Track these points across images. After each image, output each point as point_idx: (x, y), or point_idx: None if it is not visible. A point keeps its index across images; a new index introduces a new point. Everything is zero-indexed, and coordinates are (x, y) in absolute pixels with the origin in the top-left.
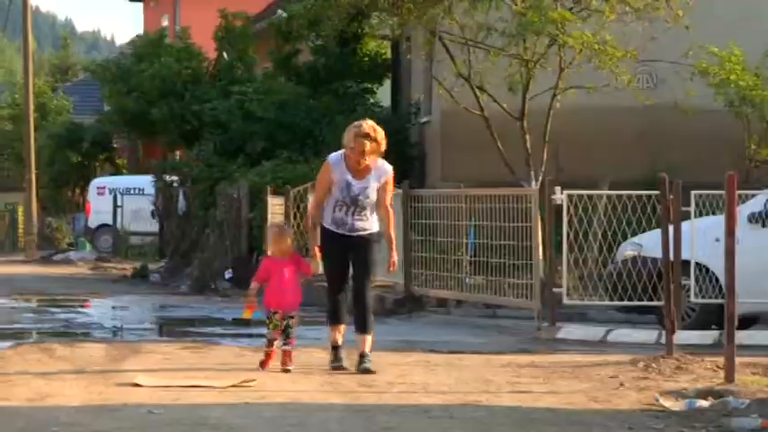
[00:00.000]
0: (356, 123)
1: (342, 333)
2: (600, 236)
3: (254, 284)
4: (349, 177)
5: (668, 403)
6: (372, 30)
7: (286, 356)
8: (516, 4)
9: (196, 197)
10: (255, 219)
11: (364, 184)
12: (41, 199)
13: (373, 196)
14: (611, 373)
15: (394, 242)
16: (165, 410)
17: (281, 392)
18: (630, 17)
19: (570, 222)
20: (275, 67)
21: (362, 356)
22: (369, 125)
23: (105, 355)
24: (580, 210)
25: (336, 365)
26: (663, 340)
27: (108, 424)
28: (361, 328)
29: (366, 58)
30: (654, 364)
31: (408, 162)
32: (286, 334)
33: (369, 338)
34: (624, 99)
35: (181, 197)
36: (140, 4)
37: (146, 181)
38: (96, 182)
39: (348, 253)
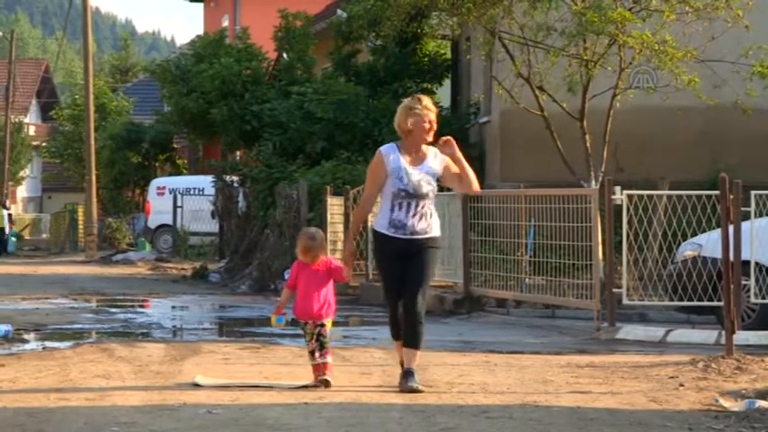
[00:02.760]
0: (405, 102)
1: None
2: (660, 236)
3: (285, 291)
4: (406, 165)
5: (728, 404)
6: (432, 30)
7: (325, 369)
8: (576, 5)
9: (256, 197)
10: (315, 219)
11: (424, 170)
12: (101, 199)
13: (434, 183)
14: (671, 374)
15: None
16: (224, 410)
17: (340, 392)
18: (690, 17)
19: (630, 222)
20: (335, 67)
21: (408, 373)
22: (419, 95)
23: (164, 355)
24: (640, 210)
25: (404, 385)
26: (722, 340)
27: (167, 424)
28: (411, 342)
29: (425, 59)
30: (713, 365)
31: (468, 162)
32: (319, 344)
33: (418, 354)
34: (684, 99)
35: (240, 197)
36: (200, 5)
37: (205, 181)
38: (156, 182)
39: (405, 260)
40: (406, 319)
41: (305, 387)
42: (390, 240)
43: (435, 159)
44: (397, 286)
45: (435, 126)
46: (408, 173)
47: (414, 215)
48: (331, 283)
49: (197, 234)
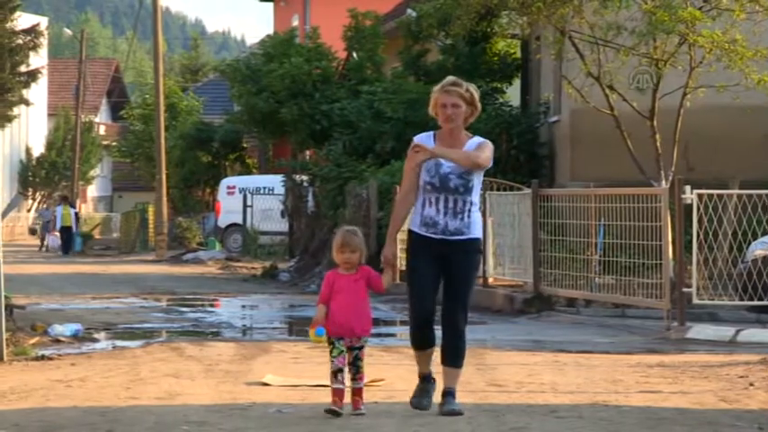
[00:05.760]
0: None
1: (430, 358)
2: (730, 235)
3: (320, 308)
4: None
5: None
6: (502, 29)
7: (356, 396)
8: (646, 3)
9: (325, 197)
10: (384, 218)
11: None
12: (171, 199)
13: (469, 177)
14: (741, 373)
15: (447, 153)
16: (294, 410)
17: (410, 392)
18: (760, 16)
19: (700, 222)
20: (404, 66)
21: (448, 394)
22: (454, 77)
23: (234, 354)
24: (710, 209)
25: (416, 402)
26: None
27: (237, 423)
28: (452, 361)
29: (495, 58)
30: None
31: (538, 161)
32: (356, 368)
33: (459, 373)
34: (754, 98)
35: (310, 197)
36: (271, 4)
37: (275, 180)
38: (226, 181)
39: (439, 264)
40: (447, 335)
41: (373, 383)
42: (423, 240)
43: (471, 149)
44: (424, 293)
45: (465, 109)
46: (439, 164)
47: (446, 212)
48: (368, 294)
49: (267, 233)
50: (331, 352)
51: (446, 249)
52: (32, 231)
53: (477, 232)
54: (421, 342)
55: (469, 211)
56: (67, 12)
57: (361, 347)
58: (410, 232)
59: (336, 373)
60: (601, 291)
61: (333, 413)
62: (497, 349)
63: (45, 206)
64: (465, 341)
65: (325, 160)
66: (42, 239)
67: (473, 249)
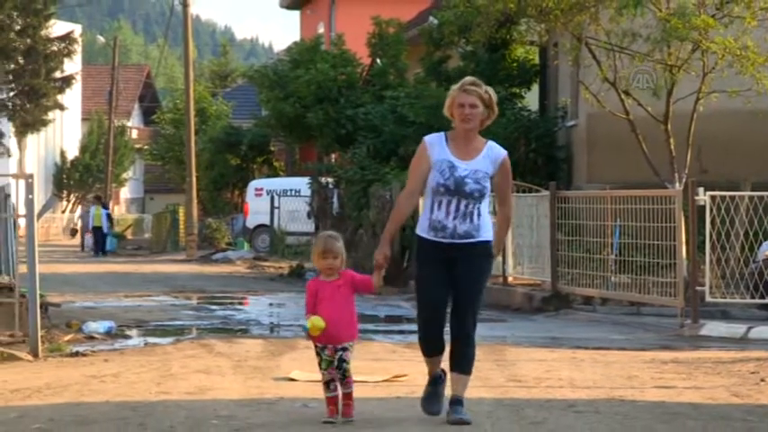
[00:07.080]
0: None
1: (441, 360)
2: (742, 235)
3: (307, 317)
4: (452, 157)
5: None
6: (521, 36)
7: (346, 400)
8: (660, 11)
9: (350, 198)
10: (408, 220)
11: (473, 167)
12: (201, 200)
13: (485, 183)
14: (752, 369)
15: (501, 247)
16: (320, 404)
17: None
18: None
19: (713, 222)
20: (426, 72)
21: (456, 402)
22: (473, 77)
23: (262, 350)
24: (723, 210)
25: (427, 407)
26: None
27: (265, 417)
28: (461, 367)
29: (514, 64)
30: None
31: (555, 164)
32: (341, 371)
33: (467, 380)
34: (765, 102)
35: (335, 198)
36: (297, 12)
37: (302, 183)
38: (254, 183)
39: (449, 268)
40: (456, 338)
41: (396, 378)
42: (431, 245)
43: (490, 158)
44: (433, 300)
45: (482, 110)
46: (453, 166)
47: (456, 216)
48: (353, 299)
49: (293, 234)
50: (320, 364)
51: (455, 253)
52: (73, 232)
53: (487, 235)
54: (431, 351)
55: (479, 212)
56: (101, 19)
57: (344, 349)
58: (417, 237)
59: (329, 383)
60: (617, 289)
61: (330, 423)
62: (516, 346)
63: (85, 208)
64: (474, 347)
65: (350, 163)
66: (82, 240)
67: (484, 253)
